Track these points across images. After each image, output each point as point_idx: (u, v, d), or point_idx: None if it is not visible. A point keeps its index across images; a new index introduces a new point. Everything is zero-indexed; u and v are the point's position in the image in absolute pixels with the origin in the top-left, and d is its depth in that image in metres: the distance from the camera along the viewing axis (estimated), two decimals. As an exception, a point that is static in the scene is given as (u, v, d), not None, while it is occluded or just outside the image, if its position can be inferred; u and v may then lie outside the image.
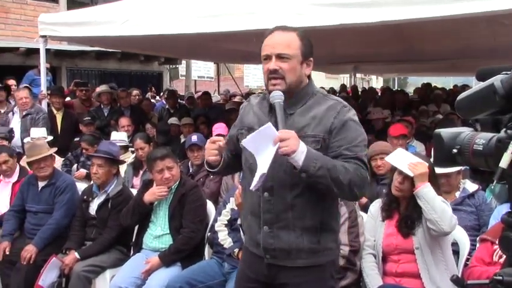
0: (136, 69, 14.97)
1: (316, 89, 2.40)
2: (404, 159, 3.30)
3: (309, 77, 2.38)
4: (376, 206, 3.48)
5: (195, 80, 18.82)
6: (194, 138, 5.21)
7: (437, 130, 1.59)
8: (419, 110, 8.56)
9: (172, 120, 7.67)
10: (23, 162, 4.91)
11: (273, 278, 2.39)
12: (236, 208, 3.62)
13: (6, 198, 4.84)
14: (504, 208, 3.35)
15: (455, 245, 3.38)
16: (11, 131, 6.28)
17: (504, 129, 1.42)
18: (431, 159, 3.25)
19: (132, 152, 6.00)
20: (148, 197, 3.95)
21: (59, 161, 5.84)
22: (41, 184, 4.56)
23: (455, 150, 1.51)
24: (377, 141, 5.98)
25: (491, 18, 4.60)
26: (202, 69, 18.62)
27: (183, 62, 16.72)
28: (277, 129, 2.14)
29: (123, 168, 5.31)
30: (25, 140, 6.01)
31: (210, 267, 3.74)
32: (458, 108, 1.54)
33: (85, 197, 4.41)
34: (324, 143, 2.26)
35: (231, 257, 3.64)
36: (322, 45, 7.89)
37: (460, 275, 3.15)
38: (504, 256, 1.50)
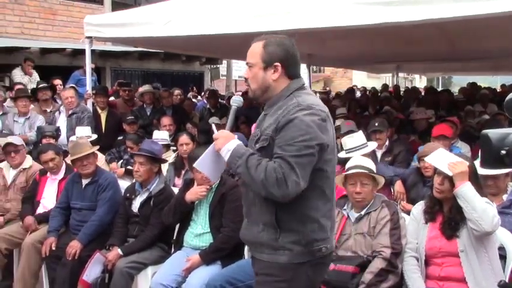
0: (178, 70, 15.16)
1: (293, 92, 2.44)
2: (445, 159, 3.23)
3: (291, 77, 2.46)
4: (418, 208, 3.42)
5: (236, 80, 18.95)
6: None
7: (484, 131, 1.55)
8: (465, 110, 8.34)
9: (213, 119, 7.73)
10: (69, 160, 5.04)
11: (253, 265, 2.62)
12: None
13: (52, 195, 4.98)
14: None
15: (502, 249, 3.28)
16: (58, 129, 6.45)
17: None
18: (479, 161, 3.17)
19: (174, 150, 6.07)
20: (189, 196, 4.00)
21: (102, 159, 5.98)
22: (84, 182, 4.67)
23: (503, 152, 1.47)
24: (420, 142, 5.89)
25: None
26: (243, 69, 18.63)
27: (224, 62, 16.85)
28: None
29: (165, 168, 5.39)
30: (70, 139, 6.16)
31: (250, 267, 3.73)
32: (508, 108, 1.50)
33: (128, 195, 4.49)
34: (272, 141, 2.35)
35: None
36: (364, 45, 7.83)
37: (507, 280, 3.07)
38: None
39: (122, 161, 6.31)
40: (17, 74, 9.76)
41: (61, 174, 5.05)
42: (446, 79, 34.82)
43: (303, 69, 13.43)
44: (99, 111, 7.40)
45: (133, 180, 4.69)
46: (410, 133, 6.54)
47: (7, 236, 4.77)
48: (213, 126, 2.67)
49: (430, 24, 4.82)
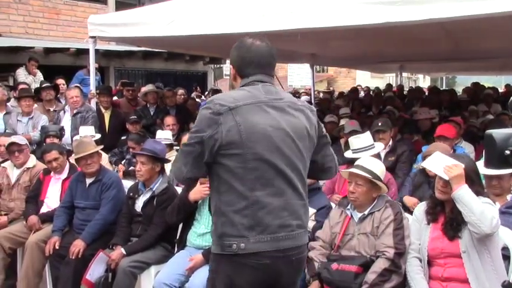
0: (182, 69, 15.17)
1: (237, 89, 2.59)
2: (440, 162, 3.19)
3: (242, 77, 2.56)
4: (420, 209, 3.41)
5: (239, 80, 18.89)
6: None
7: (488, 131, 1.55)
8: (468, 110, 8.33)
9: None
10: (73, 159, 5.05)
11: None
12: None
13: (56, 194, 4.99)
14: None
15: (505, 249, 3.27)
16: (62, 129, 6.47)
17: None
18: (482, 161, 3.16)
19: (177, 150, 6.07)
20: (193, 195, 4.00)
21: (106, 159, 5.99)
22: (88, 181, 4.68)
23: (507, 152, 1.47)
24: (424, 141, 5.88)
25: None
26: (246, 69, 18.67)
27: (228, 61, 16.83)
28: None
29: (168, 167, 5.38)
30: (74, 138, 6.18)
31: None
32: (512, 108, 1.50)
33: (131, 194, 4.50)
34: None
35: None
36: (367, 44, 7.82)
37: (511, 281, 3.06)
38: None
39: (124, 161, 6.33)
40: (21, 74, 9.78)
41: (65, 174, 5.06)
42: (450, 79, 34.78)
43: (307, 68, 13.43)
44: (103, 110, 7.41)
45: (136, 180, 4.70)
46: (414, 133, 6.54)
47: (11, 235, 4.79)
48: None
49: (433, 24, 4.81)
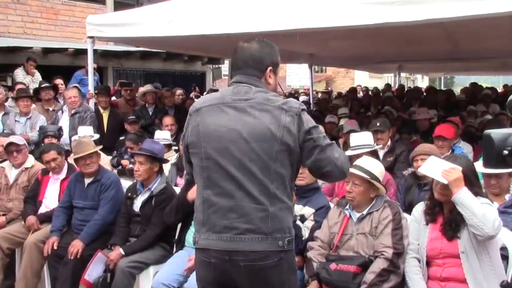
0: (180, 69, 15.17)
1: None
2: (437, 167, 3.16)
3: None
4: (419, 209, 3.40)
5: (238, 80, 18.89)
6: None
7: (487, 131, 1.55)
8: (467, 110, 8.33)
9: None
10: (71, 159, 5.05)
11: None
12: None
13: (55, 194, 4.99)
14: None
15: (504, 249, 3.27)
16: (60, 129, 6.46)
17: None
18: (481, 161, 3.16)
19: (176, 150, 6.07)
20: (191, 195, 3.98)
21: (105, 159, 5.99)
22: (87, 181, 4.68)
23: (506, 152, 1.47)
24: (422, 142, 5.89)
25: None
26: (244, 69, 18.67)
27: (226, 61, 16.85)
28: None
29: (167, 168, 5.39)
30: (73, 138, 6.17)
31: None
32: (510, 108, 1.50)
33: (129, 194, 4.50)
34: None
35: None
36: (366, 45, 7.83)
37: (509, 281, 3.06)
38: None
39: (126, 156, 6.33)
40: (19, 74, 9.78)
41: (63, 174, 5.05)
42: (448, 79, 34.81)
43: (305, 69, 13.42)
44: (101, 111, 7.41)
45: (134, 180, 4.70)
46: (413, 133, 6.54)
47: (9, 235, 4.78)
48: None
49: (432, 24, 4.81)
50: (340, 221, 3.58)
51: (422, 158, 4.19)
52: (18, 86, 8.15)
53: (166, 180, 4.59)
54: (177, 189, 4.51)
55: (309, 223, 3.78)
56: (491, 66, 12.59)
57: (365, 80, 24.85)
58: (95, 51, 7.44)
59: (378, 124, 5.42)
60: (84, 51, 7.98)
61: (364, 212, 3.51)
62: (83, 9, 12.60)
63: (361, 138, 4.72)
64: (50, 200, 4.98)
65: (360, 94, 14.90)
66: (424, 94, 11.53)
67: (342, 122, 6.77)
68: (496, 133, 1.52)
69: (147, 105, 8.08)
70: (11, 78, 10.25)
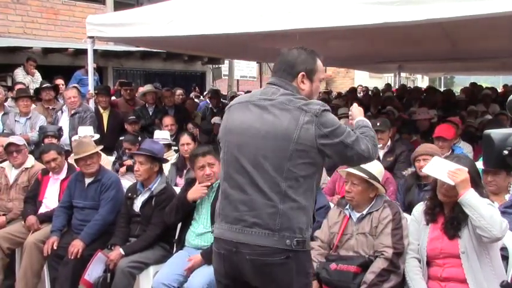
0: (180, 69, 15.18)
1: None
2: (443, 167, 3.14)
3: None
4: (419, 209, 3.39)
5: (238, 80, 18.94)
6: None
7: (487, 131, 1.55)
8: (467, 110, 8.33)
9: (216, 119, 7.73)
10: (71, 159, 5.05)
11: None
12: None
13: (55, 194, 4.98)
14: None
15: (504, 249, 3.27)
16: (60, 129, 6.46)
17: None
18: (481, 161, 3.15)
19: (175, 150, 6.08)
20: (191, 194, 3.99)
21: (105, 159, 5.99)
22: (87, 181, 4.68)
23: (506, 152, 1.47)
24: (423, 142, 5.89)
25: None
26: (245, 69, 18.74)
27: (226, 61, 16.86)
28: None
29: (166, 168, 5.39)
30: (73, 138, 6.17)
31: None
32: (510, 108, 1.50)
33: (129, 194, 4.49)
34: None
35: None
36: (366, 44, 7.82)
37: (510, 281, 3.06)
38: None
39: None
40: (19, 74, 9.78)
41: (63, 174, 5.05)
42: (448, 79, 34.80)
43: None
44: (102, 110, 7.41)
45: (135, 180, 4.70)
46: (413, 133, 6.54)
47: (9, 235, 4.78)
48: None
49: (432, 24, 4.81)
50: (340, 221, 3.58)
51: (425, 158, 4.19)
52: (18, 86, 8.15)
53: (166, 180, 4.59)
54: (177, 189, 4.51)
55: (309, 223, 3.78)
56: (491, 66, 12.58)
57: (365, 80, 24.83)
58: (95, 51, 7.44)
59: (378, 124, 5.41)
60: (84, 51, 7.99)
61: (364, 212, 3.51)
62: (83, 9, 12.61)
63: None
64: (50, 200, 4.97)
65: (360, 94, 14.89)
66: (424, 94, 11.52)
67: (342, 122, 6.74)
68: (496, 133, 1.52)
69: (147, 105, 8.08)
70: (11, 78, 10.25)
